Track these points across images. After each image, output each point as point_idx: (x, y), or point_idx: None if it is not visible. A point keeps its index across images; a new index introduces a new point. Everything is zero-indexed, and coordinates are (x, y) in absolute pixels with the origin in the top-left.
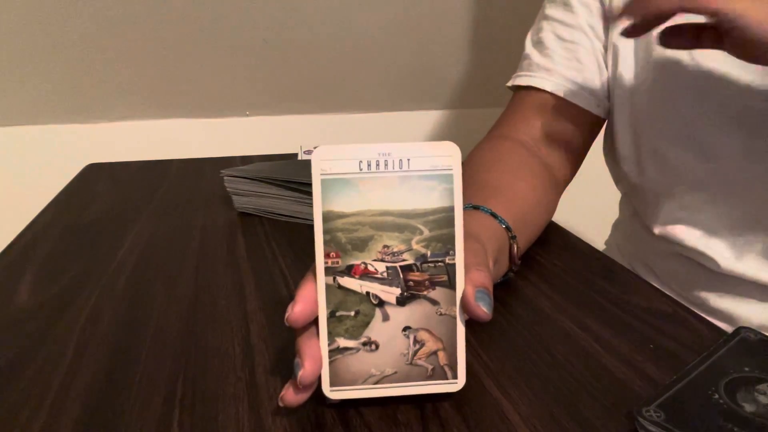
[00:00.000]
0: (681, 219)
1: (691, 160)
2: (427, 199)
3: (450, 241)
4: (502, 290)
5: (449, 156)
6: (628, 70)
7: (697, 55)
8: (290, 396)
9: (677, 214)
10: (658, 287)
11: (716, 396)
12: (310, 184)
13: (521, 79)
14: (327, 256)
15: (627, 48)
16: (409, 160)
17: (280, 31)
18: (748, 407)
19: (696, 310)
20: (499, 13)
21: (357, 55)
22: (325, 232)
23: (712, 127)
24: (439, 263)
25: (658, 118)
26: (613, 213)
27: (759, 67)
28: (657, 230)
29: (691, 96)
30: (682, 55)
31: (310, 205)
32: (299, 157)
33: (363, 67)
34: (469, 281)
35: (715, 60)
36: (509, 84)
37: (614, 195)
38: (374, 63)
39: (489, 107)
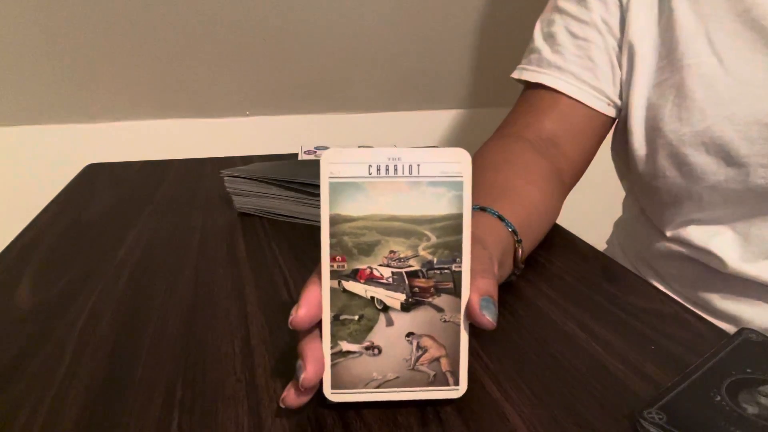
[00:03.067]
0: (696, 221)
1: (713, 164)
2: (436, 205)
3: (457, 248)
4: (503, 291)
5: (459, 163)
6: (646, 70)
7: (724, 57)
8: (291, 398)
9: (692, 216)
10: (661, 287)
11: (718, 398)
12: (310, 185)
13: (531, 74)
14: (333, 259)
15: (646, 47)
16: (419, 165)
17: (280, 31)
18: (751, 409)
19: (700, 311)
20: (500, 12)
21: (357, 55)
22: (332, 235)
23: (738, 132)
24: (446, 270)
25: (680, 121)
26: (613, 213)
27: None
28: (669, 231)
29: (717, 99)
30: (709, 58)
31: (310, 205)
32: (299, 157)
33: (363, 67)
34: (475, 289)
35: (743, 62)
36: (515, 76)
37: (615, 194)
38: (374, 63)
39: (490, 107)
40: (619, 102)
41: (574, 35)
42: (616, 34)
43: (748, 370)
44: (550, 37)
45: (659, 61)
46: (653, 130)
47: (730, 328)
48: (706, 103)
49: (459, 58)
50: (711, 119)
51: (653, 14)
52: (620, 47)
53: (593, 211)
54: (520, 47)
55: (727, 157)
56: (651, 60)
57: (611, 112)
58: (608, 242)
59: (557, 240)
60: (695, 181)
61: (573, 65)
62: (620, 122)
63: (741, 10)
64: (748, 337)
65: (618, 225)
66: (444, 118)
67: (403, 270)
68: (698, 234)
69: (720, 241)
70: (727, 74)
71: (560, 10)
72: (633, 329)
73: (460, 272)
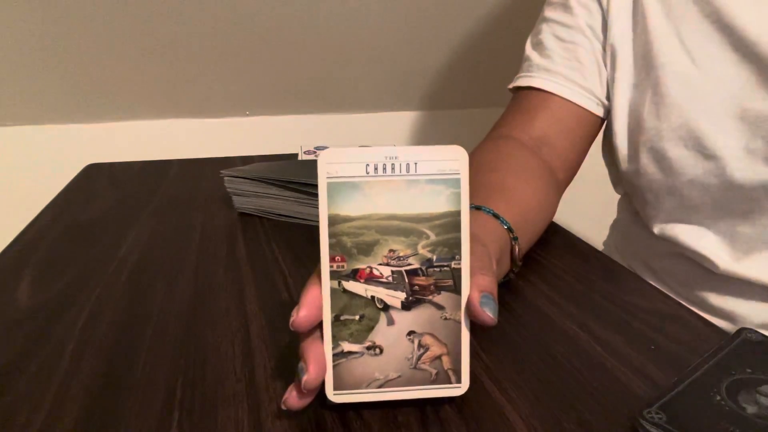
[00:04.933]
0: (680, 218)
1: (691, 158)
2: (434, 203)
3: (456, 245)
4: (502, 291)
5: (456, 160)
6: (626, 71)
7: (696, 56)
8: (293, 400)
9: (676, 214)
10: (658, 287)
11: (718, 397)
12: (310, 185)
13: (522, 80)
14: (332, 260)
15: (625, 48)
16: (416, 163)
17: (279, 31)
18: (750, 409)
19: (696, 309)
20: (498, 13)
21: (357, 55)
22: (331, 236)
23: (712, 126)
24: (445, 268)
25: (658, 117)
26: (609, 215)
27: (759, 66)
28: (656, 230)
29: (691, 95)
30: (681, 56)
31: (310, 205)
32: (299, 157)
33: (363, 67)
34: (475, 286)
35: (714, 60)
36: (510, 86)
37: (613, 195)
38: (374, 63)
39: (489, 107)
40: (606, 102)
41: (560, 39)
42: (600, 37)
43: (748, 370)
44: (538, 45)
45: (636, 62)
46: (635, 129)
47: (726, 326)
48: (681, 99)
49: (458, 59)
50: (687, 114)
51: (629, 17)
52: (604, 49)
53: (591, 212)
54: (520, 48)
55: (703, 150)
56: (630, 61)
57: (600, 112)
58: (605, 243)
59: (557, 240)
60: (674, 176)
61: (561, 66)
62: (607, 123)
63: (709, 12)
64: (747, 337)
65: (614, 226)
66: (443, 118)
67: (402, 269)
68: (686, 234)
69: (708, 242)
70: (699, 71)
71: (547, 20)
72: (633, 329)
73: (459, 269)
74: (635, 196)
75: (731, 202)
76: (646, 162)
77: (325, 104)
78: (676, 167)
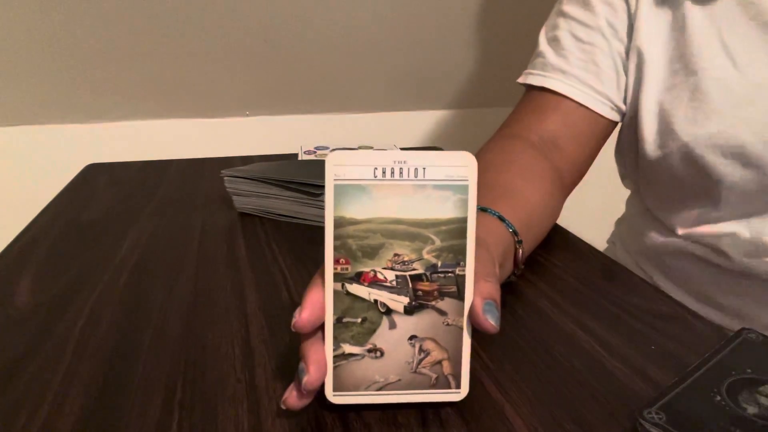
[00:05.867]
0: (708, 220)
1: (729, 166)
2: (441, 208)
3: (461, 252)
4: (502, 291)
5: (465, 166)
6: (657, 74)
7: (738, 60)
8: (293, 400)
9: (707, 216)
10: (664, 282)
11: (718, 398)
12: (310, 185)
13: (535, 78)
14: (336, 262)
15: (656, 50)
16: (424, 168)
17: (280, 31)
18: (751, 409)
19: (704, 305)
20: (498, 11)
21: (357, 55)
22: (336, 238)
23: (754, 134)
24: (449, 274)
25: (695, 123)
26: (613, 212)
27: None
28: (681, 231)
29: (733, 102)
30: (723, 61)
31: (310, 205)
32: (299, 157)
33: (363, 67)
34: (478, 293)
35: (758, 64)
36: (521, 81)
37: (616, 194)
38: (374, 63)
39: (490, 107)
40: (623, 107)
41: (578, 39)
42: (622, 39)
43: (748, 371)
44: (554, 41)
45: (671, 65)
46: (666, 134)
47: (733, 323)
48: (721, 105)
49: (459, 58)
50: (727, 121)
51: (664, 19)
52: (627, 53)
53: (594, 210)
54: (520, 47)
55: (742, 158)
56: (662, 64)
57: (614, 117)
58: (609, 241)
59: (557, 240)
60: (711, 183)
61: (577, 69)
62: (627, 126)
63: (754, 14)
64: (747, 337)
65: (620, 222)
66: (444, 118)
67: (406, 273)
68: (710, 232)
69: (731, 238)
70: (742, 77)
71: (564, 15)
72: (633, 329)
73: (463, 276)
74: (660, 199)
75: (762, 207)
76: (680, 167)
77: (325, 104)
78: (713, 174)
